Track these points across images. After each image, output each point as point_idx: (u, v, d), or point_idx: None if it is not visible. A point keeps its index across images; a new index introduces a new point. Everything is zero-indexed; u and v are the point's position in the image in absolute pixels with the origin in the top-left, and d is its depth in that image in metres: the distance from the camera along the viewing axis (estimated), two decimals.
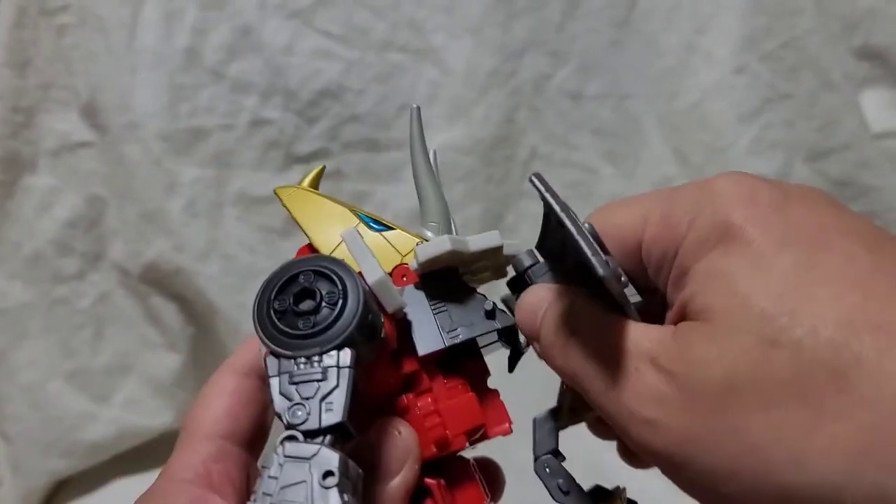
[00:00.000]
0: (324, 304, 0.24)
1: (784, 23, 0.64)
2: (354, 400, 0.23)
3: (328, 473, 0.21)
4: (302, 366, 0.23)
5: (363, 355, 0.24)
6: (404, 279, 0.28)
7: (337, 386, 0.22)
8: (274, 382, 0.23)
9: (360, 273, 0.25)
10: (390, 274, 0.28)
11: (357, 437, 0.23)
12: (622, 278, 0.25)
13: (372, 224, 0.30)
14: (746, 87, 0.64)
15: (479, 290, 0.29)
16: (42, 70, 0.63)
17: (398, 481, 0.25)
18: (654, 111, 0.67)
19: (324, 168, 0.33)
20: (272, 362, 0.23)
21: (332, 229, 0.29)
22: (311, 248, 0.29)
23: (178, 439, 0.27)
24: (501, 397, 0.30)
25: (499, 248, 0.28)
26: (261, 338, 0.24)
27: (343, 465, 0.22)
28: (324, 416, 0.22)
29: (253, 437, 0.28)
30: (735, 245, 0.22)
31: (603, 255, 0.22)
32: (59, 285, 0.63)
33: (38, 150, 0.63)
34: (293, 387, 0.23)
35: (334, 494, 0.21)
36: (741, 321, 0.20)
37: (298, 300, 0.24)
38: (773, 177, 0.64)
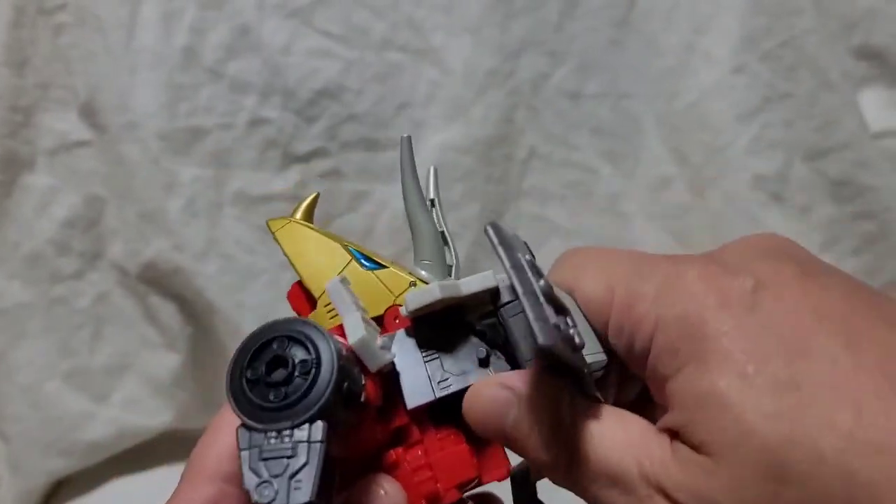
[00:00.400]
0: (296, 373, 0.23)
1: (783, 22, 0.64)
2: (330, 474, 0.22)
3: None
4: (273, 440, 0.22)
5: (341, 422, 0.23)
6: (396, 321, 0.28)
7: (307, 463, 0.22)
8: (244, 456, 0.22)
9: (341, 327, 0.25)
10: (382, 315, 0.28)
11: None
12: (577, 342, 0.23)
13: (364, 262, 0.29)
14: (745, 86, 0.64)
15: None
16: (40, 69, 0.63)
17: None
18: (653, 111, 0.67)
19: (318, 196, 0.32)
20: (243, 434, 0.23)
21: (323, 267, 0.28)
22: (301, 285, 0.29)
23: (182, 474, 0.27)
24: None
25: (495, 289, 0.27)
26: (233, 408, 0.23)
27: None
28: (292, 494, 0.21)
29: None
30: (712, 360, 0.21)
31: (550, 321, 0.21)
32: (57, 285, 0.63)
33: (37, 149, 0.63)
34: (262, 463, 0.22)
35: None
36: (744, 456, 0.20)
37: (271, 369, 0.23)
38: (772, 176, 0.64)
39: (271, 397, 0.23)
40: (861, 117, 0.64)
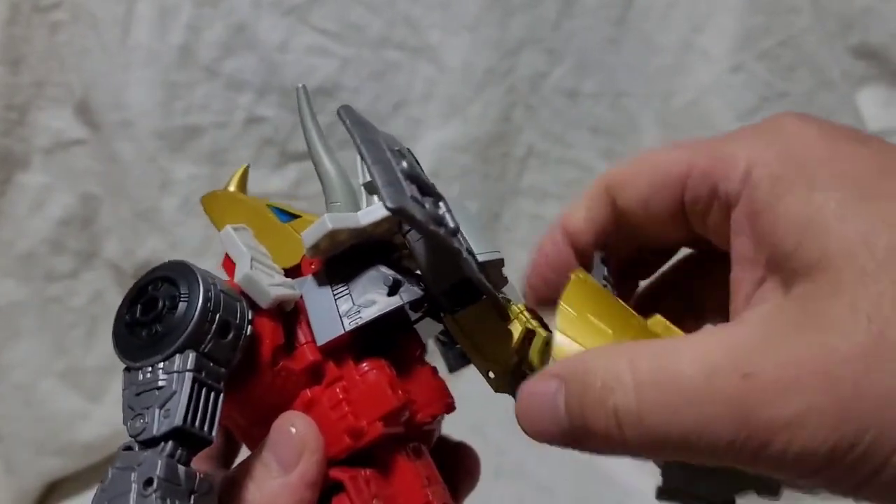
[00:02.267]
0: (165, 310, 0.23)
1: (781, 21, 0.64)
2: (212, 408, 0.22)
3: (148, 482, 0.20)
4: (147, 375, 0.22)
5: (224, 358, 0.23)
6: (312, 267, 0.27)
7: (175, 391, 0.22)
8: (124, 397, 0.22)
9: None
10: (299, 264, 0.28)
11: (211, 441, 0.22)
12: (451, 225, 0.23)
13: (280, 215, 0.29)
14: (743, 85, 0.64)
15: None
16: (35, 67, 0.63)
17: (293, 476, 0.24)
18: (650, 109, 0.67)
19: (247, 167, 0.32)
20: (125, 377, 0.23)
21: (242, 222, 0.28)
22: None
23: None
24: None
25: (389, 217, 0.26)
26: (116, 353, 0.23)
27: (169, 471, 0.21)
28: (161, 422, 0.21)
29: (225, 451, 0.28)
30: (822, 178, 0.20)
31: (407, 192, 0.20)
32: (52, 284, 0.63)
33: (32, 147, 0.63)
34: (136, 398, 0.22)
35: (153, 502, 0.20)
36: (869, 260, 0.18)
37: (144, 310, 0.24)
38: None
39: (143, 335, 0.23)
40: (859, 116, 0.64)
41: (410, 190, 0.22)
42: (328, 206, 0.28)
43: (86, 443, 0.64)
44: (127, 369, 0.23)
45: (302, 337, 0.26)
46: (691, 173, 0.23)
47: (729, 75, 0.65)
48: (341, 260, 0.26)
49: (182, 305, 0.23)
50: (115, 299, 0.64)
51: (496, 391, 0.27)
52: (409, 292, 0.26)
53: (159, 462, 0.21)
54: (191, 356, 0.22)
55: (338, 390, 0.26)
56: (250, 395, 0.25)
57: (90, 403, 0.64)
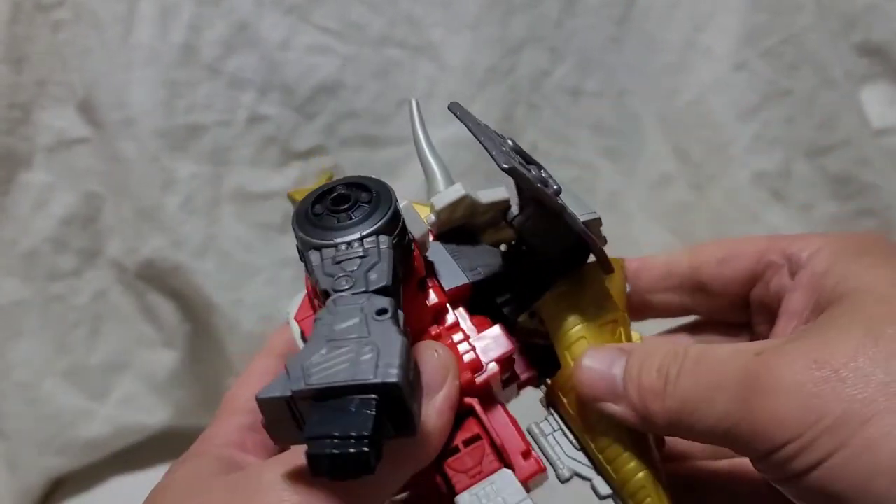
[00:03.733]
0: (360, 203, 0.25)
1: (784, 19, 0.64)
2: (397, 281, 0.23)
3: (382, 311, 0.22)
4: (344, 248, 0.24)
5: (398, 268, 0.24)
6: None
7: (379, 260, 0.23)
8: (318, 269, 0.23)
9: None
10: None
11: (402, 311, 0.23)
12: (555, 186, 0.27)
13: None
14: (746, 83, 0.64)
15: None
16: (38, 66, 0.63)
17: (442, 395, 0.26)
18: (653, 108, 0.67)
19: (332, 174, 0.35)
20: (314, 256, 0.24)
21: None
22: None
23: (215, 415, 0.29)
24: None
25: (506, 201, 0.31)
26: (301, 237, 0.25)
27: (394, 307, 0.22)
28: (370, 280, 0.23)
29: None
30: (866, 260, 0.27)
31: (514, 158, 0.24)
32: (55, 282, 0.63)
33: (34, 146, 0.63)
34: (337, 265, 0.23)
35: (390, 324, 0.21)
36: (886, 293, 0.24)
37: (336, 204, 0.25)
38: (773, 173, 0.64)
39: (336, 219, 0.25)
40: (862, 114, 0.64)
41: (517, 159, 0.26)
42: (431, 195, 0.31)
43: (89, 441, 0.64)
44: (314, 247, 0.24)
45: (430, 281, 0.29)
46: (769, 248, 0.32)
47: (731, 73, 0.64)
48: (449, 236, 0.30)
49: (378, 199, 0.25)
50: (117, 298, 0.64)
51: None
52: (515, 267, 0.30)
53: (389, 298, 0.22)
54: (389, 238, 0.24)
55: (463, 329, 0.29)
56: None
57: (93, 402, 0.64)
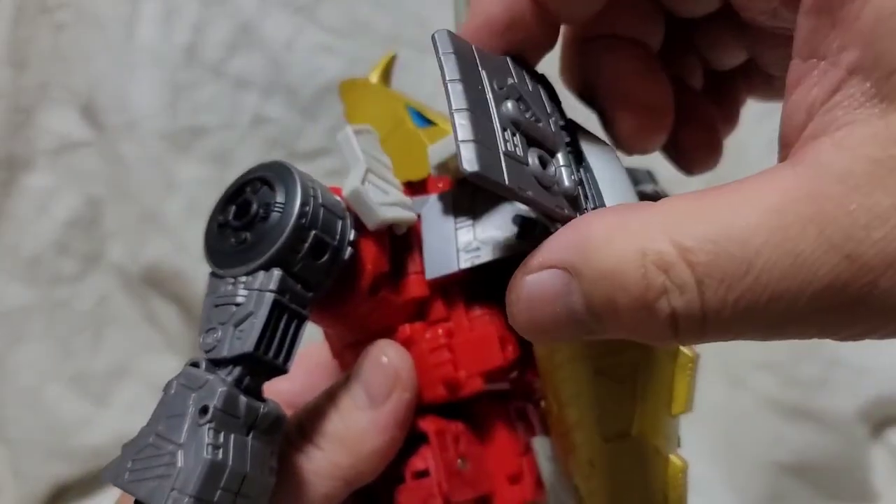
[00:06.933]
0: (258, 218, 0.21)
1: None
2: (291, 334, 0.20)
3: (203, 410, 0.19)
4: (229, 286, 0.20)
5: (313, 281, 0.21)
6: (440, 186, 0.24)
7: (252, 312, 0.20)
8: (206, 303, 0.21)
9: None
10: (425, 180, 0.24)
11: (285, 371, 0.20)
12: (533, 166, 0.19)
13: (417, 118, 0.26)
14: None
15: None
16: (40, 69, 0.62)
17: (385, 409, 0.22)
18: None
19: (394, 56, 0.29)
20: (210, 281, 0.21)
21: (373, 120, 0.26)
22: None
23: None
24: None
25: None
26: (205, 255, 0.22)
27: (228, 402, 0.19)
28: (233, 343, 0.19)
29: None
30: None
31: (497, 135, 0.17)
32: (57, 287, 0.63)
33: (37, 149, 0.63)
34: (214, 310, 0.20)
35: (205, 433, 0.19)
36: None
37: (237, 214, 0.22)
38: None
39: (232, 241, 0.21)
40: None
41: (510, 143, 0.18)
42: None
43: (92, 447, 0.63)
44: (213, 274, 0.21)
45: (411, 266, 0.24)
46: None
47: None
48: (470, 185, 0.22)
49: (275, 216, 0.20)
50: (120, 303, 0.64)
51: None
52: (537, 241, 0.22)
53: (219, 390, 0.19)
54: (275, 275, 0.20)
55: (440, 332, 0.23)
56: (345, 316, 0.23)
57: (97, 408, 0.64)
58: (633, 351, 0.22)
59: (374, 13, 0.63)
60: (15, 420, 0.62)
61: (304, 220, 0.20)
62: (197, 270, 0.61)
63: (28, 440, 0.63)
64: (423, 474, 0.23)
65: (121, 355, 0.64)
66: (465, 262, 0.22)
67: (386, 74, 0.29)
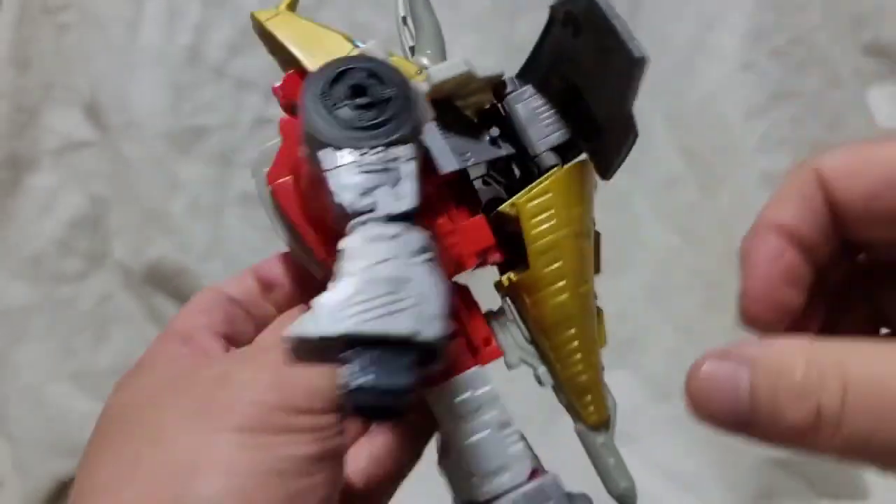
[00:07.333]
0: (380, 99, 0.23)
1: (792, 19, 0.63)
2: (422, 192, 0.22)
3: (422, 249, 0.20)
4: (370, 155, 0.22)
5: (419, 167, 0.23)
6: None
7: (406, 175, 0.22)
8: (331, 175, 0.21)
9: None
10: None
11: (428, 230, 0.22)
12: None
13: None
14: (754, 83, 0.64)
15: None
16: (44, 69, 0.63)
17: None
18: (661, 108, 0.67)
19: None
20: (329, 156, 0.22)
21: (333, 53, 0.26)
22: (301, 74, 0.27)
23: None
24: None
25: (500, 77, 0.29)
26: (314, 130, 0.22)
27: (431, 242, 0.21)
28: (396, 202, 0.21)
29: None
30: None
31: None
32: (61, 286, 0.63)
33: (40, 149, 0.63)
34: (360, 177, 0.21)
35: (431, 266, 0.20)
36: None
37: (355, 95, 0.23)
38: (781, 173, 0.64)
39: (359, 119, 0.23)
40: (869, 114, 0.64)
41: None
42: (420, 53, 0.29)
43: None
44: (334, 146, 0.22)
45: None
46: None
47: (739, 73, 0.64)
48: (437, 106, 0.27)
49: (403, 101, 0.23)
50: (124, 301, 0.64)
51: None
52: (507, 147, 0.28)
53: (426, 234, 0.21)
54: (414, 147, 0.22)
55: (446, 219, 0.27)
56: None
57: (100, 405, 0.64)
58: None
59: (374, 15, 0.64)
60: (18, 417, 0.63)
61: (418, 108, 0.23)
62: (199, 269, 0.62)
63: (31, 437, 0.63)
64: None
65: (124, 353, 0.64)
66: (462, 163, 0.27)
67: (292, 6, 0.31)
